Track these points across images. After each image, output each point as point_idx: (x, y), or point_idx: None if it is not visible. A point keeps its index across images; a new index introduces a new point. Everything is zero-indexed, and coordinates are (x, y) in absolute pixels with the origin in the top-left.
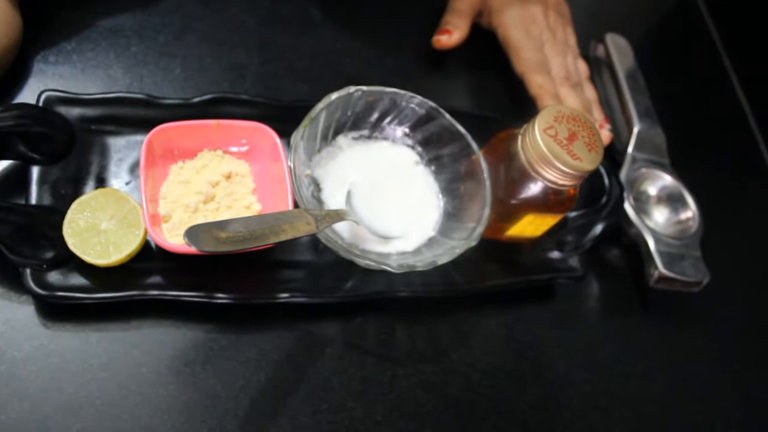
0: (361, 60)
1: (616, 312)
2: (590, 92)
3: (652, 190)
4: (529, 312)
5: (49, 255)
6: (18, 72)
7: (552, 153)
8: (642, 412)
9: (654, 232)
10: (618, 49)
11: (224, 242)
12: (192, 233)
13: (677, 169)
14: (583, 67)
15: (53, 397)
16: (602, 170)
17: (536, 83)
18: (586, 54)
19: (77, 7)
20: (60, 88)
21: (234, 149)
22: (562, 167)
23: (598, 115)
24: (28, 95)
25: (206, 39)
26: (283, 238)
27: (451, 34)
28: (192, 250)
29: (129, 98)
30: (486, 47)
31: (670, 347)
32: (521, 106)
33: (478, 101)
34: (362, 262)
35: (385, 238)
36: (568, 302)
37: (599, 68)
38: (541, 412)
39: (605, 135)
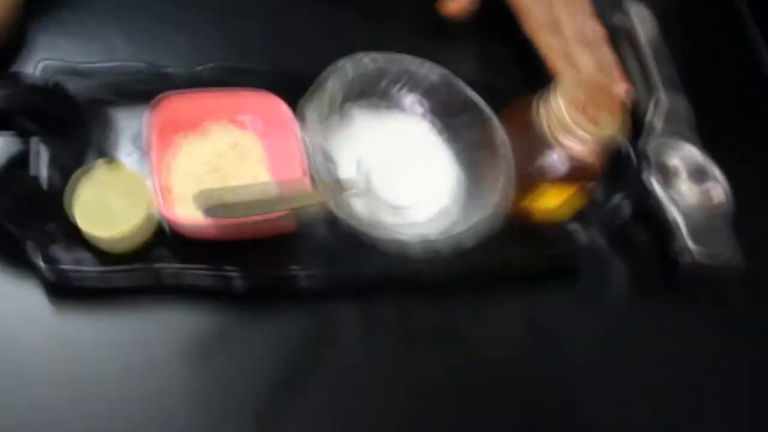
0: (371, 29)
1: (641, 292)
2: (607, 54)
3: (678, 162)
4: (551, 293)
5: (52, 227)
6: (16, 41)
7: (572, 118)
8: (670, 401)
9: (681, 207)
10: (639, 17)
11: (234, 208)
12: (201, 198)
13: (703, 141)
14: (598, 29)
15: (65, 382)
16: (626, 143)
17: (545, 43)
18: (603, 23)
19: None
20: (59, 58)
21: (241, 119)
22: (582, 133)
23: (615, 74)
24: (27, 66)
25: (210, 8)
26: (294, 204)
27: (459, 1)
28: (199, 221)
29: (131, 68)
30: (496, 11)
31: (699, 331)
32: (534, 72)
33: (488, 69)
34: (378, 233)
35: (400, 209)
36: (592, 283)
37: (618, 37)
38: (564, 398)
39: (622, 87)
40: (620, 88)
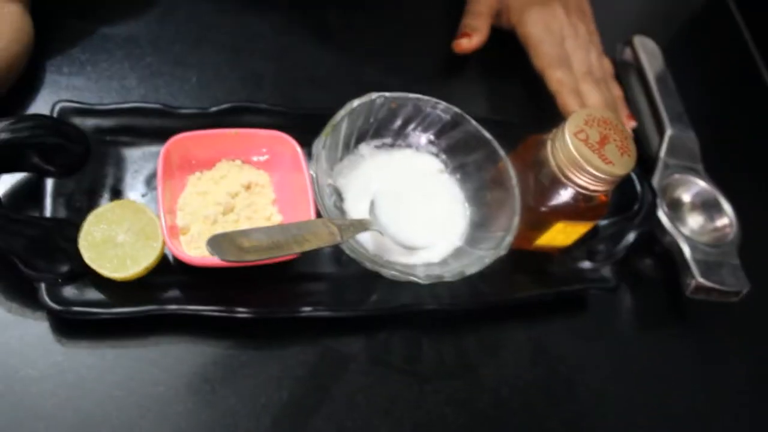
0: (381, 67)
1: (651, 324)
2: (615, 89)
3: (686, 196)
4: (559, 325)
5: (65, 269)
6: (31, 83)
7: (583, 157)
8: (680, 429)
9: (689, 240)
10: (646, 51)
11: (247, 251)
12: (214, 242)
13: (711, 174)
14: (607, 64)
15: (69, 416)
16: (634, 176)
17: (555, 78)
18: (612, 57)
19: (91, 17)
20: (74, 99)
21: (254, 159)
22: (594, 172)
23: (623, 111)
24: (42, 106)
25: (222, 48)
26: (306, 247)
27: (471, 37)
28: (212, 262)
29: (144, 108)
30: (506, 49)
31: (709, 360)
32: (545, 110)
33: (500, 106)
34: (388, 273)
35: (410, 249)
36: (601, 314)
37: (626, 72)
38: (573, 430)
39: (630, 124)
40: (628, 125)
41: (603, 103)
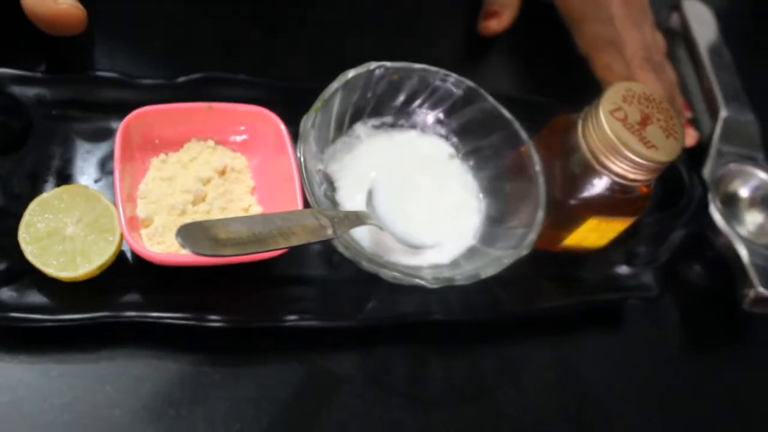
0: (382, 33)
1: (700, 343)
2: (670, 73)
3: (744, 190)
4: (591, 342)
5: (1, 267)
6: None
7: (621, 140)
8: None
9: (747, 242)
10: (697, 18)
11: (224, 245)
12: (185, 232)
13: None
14: (661, 41)
15: None
16: (681, 165)
17: (602, 63)
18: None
19: None
20: (11, 65)
21: (229, 139)
22: (634, 157)
23: (678, 102)
24: None
25: (191, 5)
26: (294, 242)
27: (501, 17)
28: (178, 259)
29: (98, 77)
30: (542, 23)
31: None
32: (577, 87)
33: (528, 85)
34: (388, 275)
35: (415, 248)
36: (640, 330)
37: (673, 42)
38: None
39: (690, 135)
40: (686, 128)
41: (666, 95)
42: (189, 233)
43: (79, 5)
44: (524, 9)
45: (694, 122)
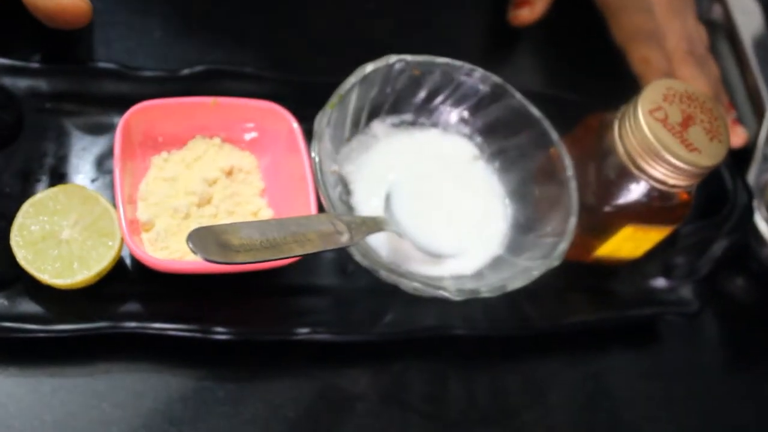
0: (403, 24)
1: (742, 362)
2: (714, 69)
3: None
4: (624, 359)
5: None
6: None
7: (660, 142)
8: None
9: None
10: (742, 9)
11: (236, 251)
12: (197, 238)
13: None
14: (703, 33)
15: None
16: (724, 170)
17: (640, 56)
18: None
19: None
20: (2, 54)
21: (237, 136)
22: (674, 161)
23: (723, 99)
24: None
25: None
26: (309, 249)
27: (533, 6)
28: (182, 266)
29: (96, 69)
30: (575, 13)
31: None
32: (613, 85)
33: (559, 81)
34: (408, 286)
35: (436, 257)
36: (678, 348)
37: (715, 36)
38: None
39: (739, 134)
40: (734, 126)
41: (710, 92)
42: (200, 239)
43: None
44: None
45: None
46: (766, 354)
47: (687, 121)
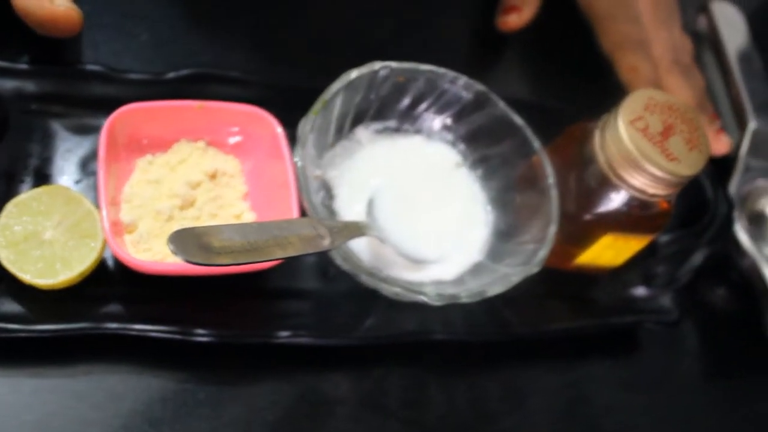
0: (389, 30)
1: (722, 371)
2: (698, 79)
3: None
4: (604, 368)
5: None
6: None
7: (641, 152)
8: None
9: None
10: (727, 20)
11: (217, 253)
12: (178, 239)
13: None
14: (689, 44)
15: None
16: (705, 179)
17: (628, 65)
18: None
19: None
20: None
21: (221, 140)
22: (654, 171)
23: (707, 108)
24: None
25: None
26: (290, 252)
27: (521, 12)
28: (165, 268)
29: (81, 71)
30: (560, 22)
31: None
32: (601, 97)
33: (542, 90)
34: (389, 290)
35: (417, 262)
36: (658, 356)
37: (700, 47)
38: None
39: (723, 142)
40: (712, 127)
41: (695, 101)
42: (181, 240)
43: (76, 7)
44: (542, 5)
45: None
46: (746, 363)
47: (667, 131)
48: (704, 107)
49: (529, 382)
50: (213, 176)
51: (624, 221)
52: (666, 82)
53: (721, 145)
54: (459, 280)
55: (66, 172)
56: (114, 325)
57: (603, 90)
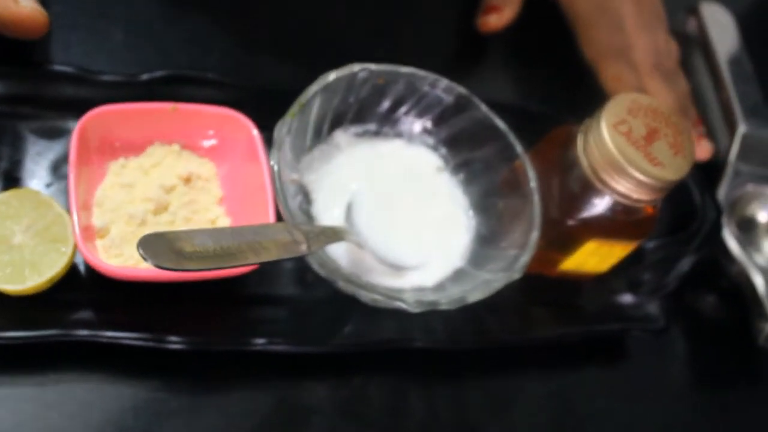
0: (369, 32)
1: (711, 380)
2: (682, 84)
3: (762, 214)
4: (590, 376)
5: None
6: None
7: (624, 156)
8: None
9: (765, 271)
10: (717, 23)
11: (189, 258)
12: (147, 243)
13: None
14: (674, 49)
15: None
16: (692, 184)
17: (611, 74)
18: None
19: None
20: None
21: (196, 143)
22: (638, 175)
23: (691, 114)
24: None
25: None
26: (265, 258)
27: (501, 12)
28: (137, 274)
29: (52, 72)
30: (544, 24)
31: None
32: (584, 101)
33: (525, 93)
34: (367, 297)
35: (397, 269)
36: (644, 365)
37: (689, 50)
38: None
39: (705, 147)
40: (695, 132)
41: (677, 105)
42: (151, 245)
43: (42, 9)
44: (525, 8)
45: (712, 140)
46: (734, 371)
47: (651, 135)
48: (688, 112)
49: (513, 391)
50: (187, 180)
51: (608, 227)
52: (647, 87)
53: (702, 151)
54: (440, 287)
55: (36, 176)
56: (85, 332)
57: (586, 93)
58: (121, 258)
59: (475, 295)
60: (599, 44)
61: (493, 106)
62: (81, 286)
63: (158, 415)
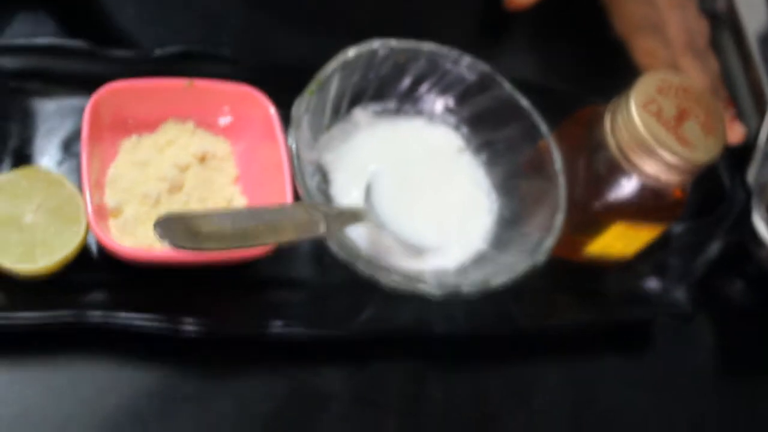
0: (390, 7)
1: (738, 368)
2: (713, 64)
3: None
4: (614, 365)
5: None
6: None
7: (654, 137)
8: None
9: None
10: (746, 1)
11: (206, 238)
12: (164, 224)
13: None
14: (705, 27)
15: None
16: (721, 168)
17: (644, 49)
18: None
19: None
20: None
21: (211, 121)
22: (668, 156)
23: (722, 95)
24: None
25: None
26: (282, 238)
27: None
28: (151, 255)
29: (64, 47)
30: (571, 1)
31: None
32: (612, 80)
33: (551, 72)
34: (388, 279)
35: (418, 251)
36: (670, 352)
37: (717, 29)
38: None
39: (737, 131)
40: (732, 123)
41: (709, 84)
42: (168, 225)
43: None
44: None
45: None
46: (761, 359)
47: (682, 116)
48: (718, 93)
49: (532, 380)
50: (202, 159)
51: (635, 210)
52: (680, 64)
53: (735, 134)
54: (461, 270)
55: (47, 153)
56: (97, 314)
57: (613, 72)
58: (134, 238)
59: (498, 280)
60: (632, 18)
61: (517, 84)
62: (94, 268)
63: (172, 400)
